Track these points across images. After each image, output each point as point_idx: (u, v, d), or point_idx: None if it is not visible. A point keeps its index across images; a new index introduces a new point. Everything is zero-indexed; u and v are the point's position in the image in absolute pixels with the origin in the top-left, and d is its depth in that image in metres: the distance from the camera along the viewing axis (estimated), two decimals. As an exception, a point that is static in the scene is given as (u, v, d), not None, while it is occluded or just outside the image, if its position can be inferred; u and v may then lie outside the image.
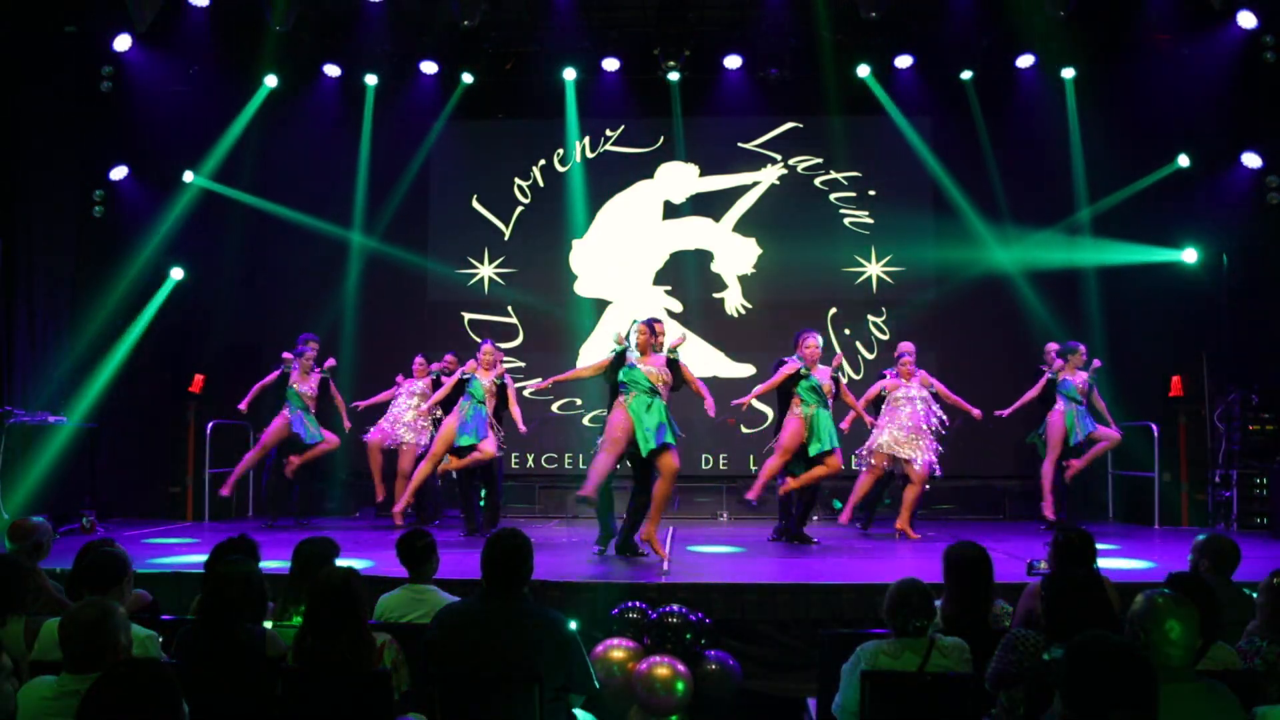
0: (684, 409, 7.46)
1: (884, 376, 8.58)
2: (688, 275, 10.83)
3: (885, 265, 10.72)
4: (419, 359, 9.33)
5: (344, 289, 10.73)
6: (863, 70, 10.16)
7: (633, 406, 6.80)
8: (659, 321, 7.13)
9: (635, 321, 7.11)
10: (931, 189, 10.65)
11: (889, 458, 8.26)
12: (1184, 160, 9.48)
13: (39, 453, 8.66)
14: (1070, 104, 10.04)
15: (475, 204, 11.00)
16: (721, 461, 10.57)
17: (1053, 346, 9.04)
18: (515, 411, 8.28)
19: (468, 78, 10.49)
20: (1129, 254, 9.70)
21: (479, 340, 8.81)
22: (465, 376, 8.37)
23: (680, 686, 4.85)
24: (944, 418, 8.44)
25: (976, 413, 8.49)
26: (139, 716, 2.29)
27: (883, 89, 10.33)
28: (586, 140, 11.01)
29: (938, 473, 8.32)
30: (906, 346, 8.57)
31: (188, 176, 9.86)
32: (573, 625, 3.54)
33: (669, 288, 10.87)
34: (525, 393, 9.69)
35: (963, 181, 10.58)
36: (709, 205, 10.87)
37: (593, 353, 10.28)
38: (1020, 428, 9.17)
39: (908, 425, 8.22)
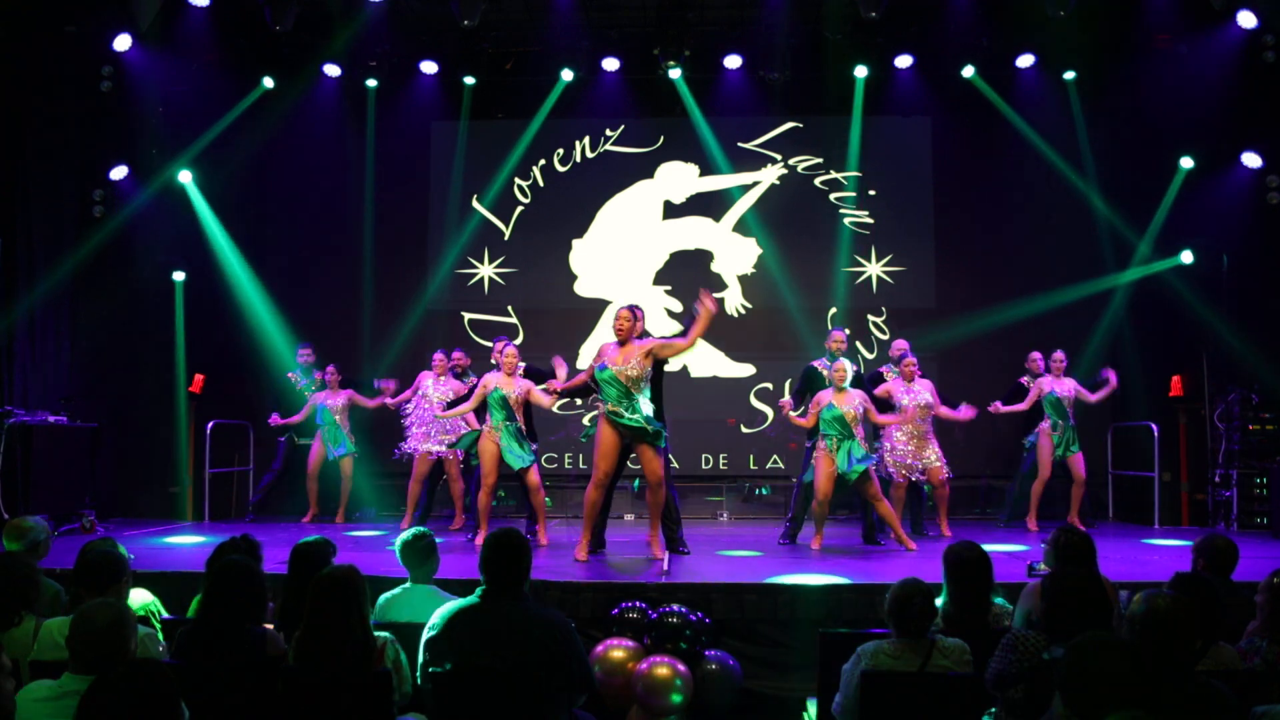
0: (683, 409, 7.42)
1: (882, 376, 8.52)
2: (688, 275, 10.83)
3: (885, 265, 10.72)
4: (439, 355, 8.92)
5: (344, 289, 10.75)
6: (860, 71, 10.16)
7: (609, 417, 6.55)
8: (638, 307, 6.77)
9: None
10: (931, 189, 10.67)
11: (909, 467, 8.15)
12: (1187, 162, 9.47)
13: (39, 453, 8.65)
14: (1075, 105, 10.02)
15: (475, 204, 11.00)
16: (722, 461, 10.57)
17: (1036, 355, 8.88)
18: (545, 400, 7.43)
19: (469, 79, 10.48)
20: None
21: (484, 342, 8.65)
22: (489, 391, 7.55)
23: (680, 686, 4.84)
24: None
25: (966, 415, 8.26)
26: (138, 718, 2.28)
27: (881, 89, 10.34)
28: (586, 140, 11.01)
29: (945, 473, 8.26)
30: (902, 345, 8.56)
31: (185, 177, 9.85)
32: (572, 625, 3.54)
33: (669, 288, 10.86)
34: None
35: (963, 181, 10.60)
36: (709, 205, 10.88)
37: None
38: (1021, 429, 9.15)
39: (912, 431, 8.13)
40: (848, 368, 7.51)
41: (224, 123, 9.95)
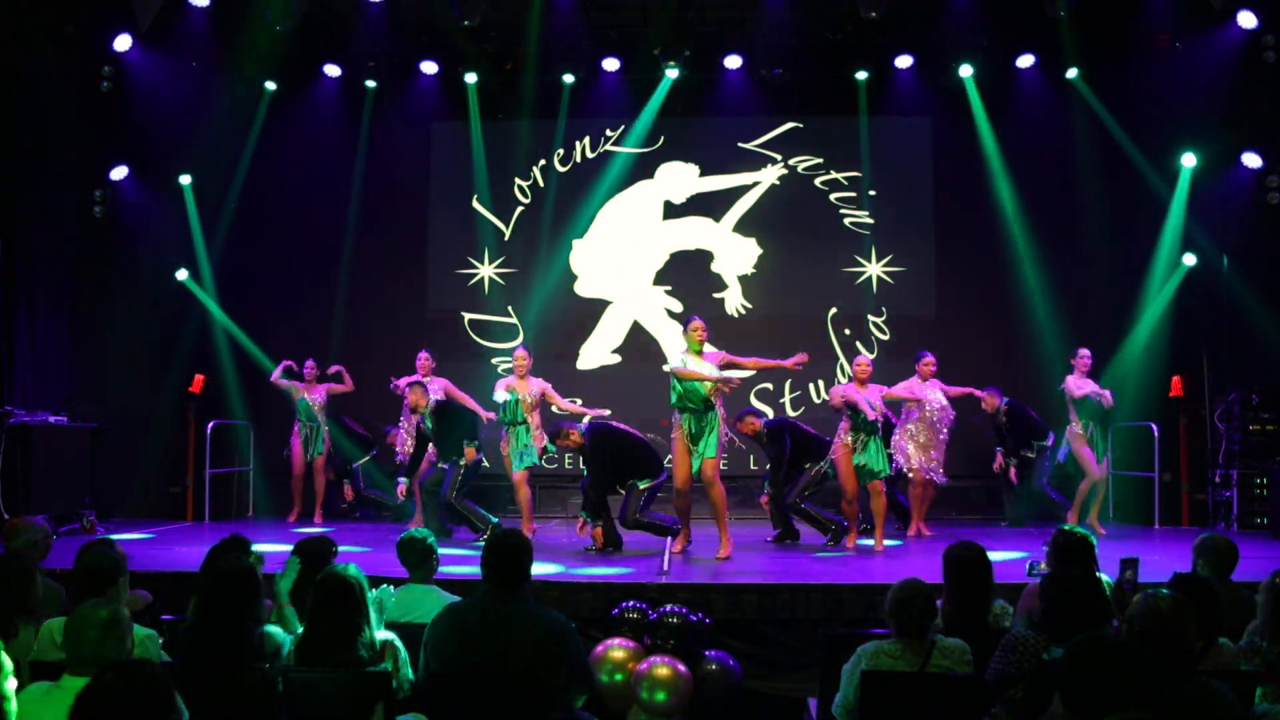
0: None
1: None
2: (688, 275, 10.82)
3: (885, 265, 10.71)
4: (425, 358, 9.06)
5: (344, 289, 10.73)
6: (860, 73, 10.16)
7: (688, 432, 7.07)
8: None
9: (691, 319, 7.22)
10: (931, 189, 10.66)
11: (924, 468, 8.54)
12: (1190, 160, 9.45)
13: (39, 453, 8.65)
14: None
15: (475, 204, 10.99)
16: (721, 462, 10.52)
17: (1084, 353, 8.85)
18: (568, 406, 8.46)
19: (470, 77, 10.47)
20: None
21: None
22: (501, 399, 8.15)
23: (680, 686, 4.84)
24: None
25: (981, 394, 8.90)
26: (133, 718, 2.27)
27: (881, 90, 10.34)
28: (587, 140, 11.00)
29: (940, 479, 8.70)
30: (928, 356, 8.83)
31: (184, 179, 9.85)
32: (572, 625, 3.54)
33: (669, 288, 10.86)
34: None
35: (963, 181, 10.58)
36: (709, 205, 10.87)
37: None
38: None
39: (927, 433, 8.54)
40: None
41: (225, 123, 9.95)
